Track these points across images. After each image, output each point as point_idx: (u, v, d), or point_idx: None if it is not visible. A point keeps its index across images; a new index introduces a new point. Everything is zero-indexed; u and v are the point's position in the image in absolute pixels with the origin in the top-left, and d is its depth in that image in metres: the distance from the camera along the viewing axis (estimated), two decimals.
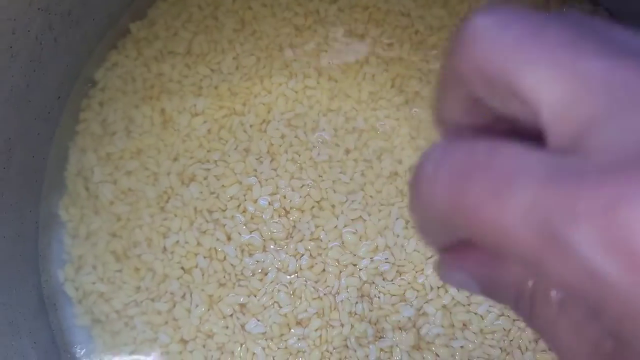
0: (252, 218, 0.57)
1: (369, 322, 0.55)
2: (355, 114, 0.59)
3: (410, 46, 0.61)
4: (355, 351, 0.54)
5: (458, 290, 0.56)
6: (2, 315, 0.48)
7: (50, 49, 0.50)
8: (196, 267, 0.56)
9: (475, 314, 0.55)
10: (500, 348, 0.55)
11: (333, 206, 0.57)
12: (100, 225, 0.57)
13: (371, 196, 0.58)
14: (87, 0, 0.52)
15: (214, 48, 0.61)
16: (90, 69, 0.60)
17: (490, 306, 0.55)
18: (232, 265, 0.56)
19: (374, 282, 0.56)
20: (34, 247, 0.55)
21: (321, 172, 0.58)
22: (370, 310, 0.55)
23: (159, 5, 0.62)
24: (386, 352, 0.55)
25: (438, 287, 0.56)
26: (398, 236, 0.57)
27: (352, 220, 0.57)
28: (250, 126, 0.59)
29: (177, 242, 0.56)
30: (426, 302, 0.55)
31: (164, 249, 0.56)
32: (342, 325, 0.54)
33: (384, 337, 0.55)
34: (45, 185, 0.57)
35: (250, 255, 0.56)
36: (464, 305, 0.55)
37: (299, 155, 0.58)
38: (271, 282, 0.55)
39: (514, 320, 0.55)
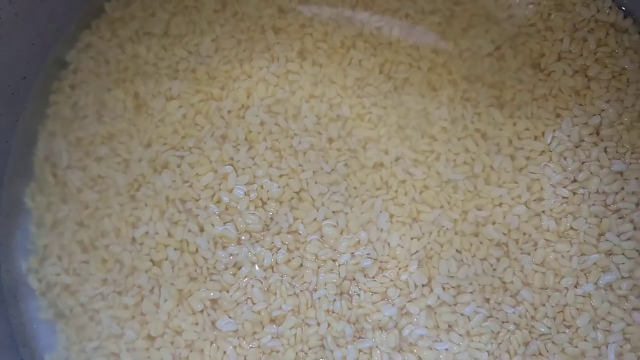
0: (226, 209, 0.52)
1: (348, 321, 0.50)
2: (340, 101, 0.55)
3: (400, 30, 0.57)
4: (332, 352, 0.49)
5: (444, 289, 0.51)
6: None
7: (10, 24, 0.45)
8: (166, 259, 0.52)
9: (462, 314, 0.51)
10: (488, 351, 0.50)
11: (313, 198, 0.53)
12: (67, 213, 0.53)
13: (354, 187, 0.53)
14: None
15: (193, 30, 0.56)
16: (62, 50, 0.56)
17: (478, 307, 0.50)
18: (204, 258, 0.51)
19: (354, 279, 0.51)
20: None
21: (302, 161, 0.54)
22: (350, 309, 0.51)
23: None
24: (365, 353, 0.50)
25: (423, 285, 0.51)
26: (382, 230, 0.52)
27: (333, 212, 0.53)
28: (228, 112, 0.54)
29: (147, 233, 0.52)
30: (409, 301, 0.51)
31: (133, 240, 0.52)
32: (319, 324, 0.50)
33: (363, 338, 0.50)
34: (9, 171, 0.53)
35: (224, 248, 0.52)
36: (449, 306, 0.51)
37: (279, 143, 0.54)
38: (245, 277, 0.51)
39: (502, 322, 0.50)
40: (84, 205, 0.53)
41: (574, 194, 0.53)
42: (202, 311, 0.51)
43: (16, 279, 0.52)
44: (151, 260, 0.52)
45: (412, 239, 0.52)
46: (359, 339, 0.51)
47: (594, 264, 0.51)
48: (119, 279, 0.52)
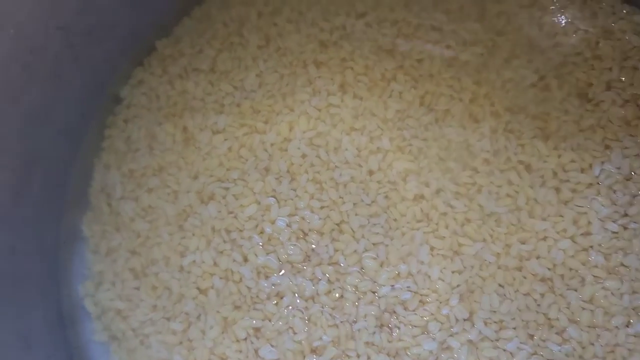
0: (269, 239, 0.53)
1: (387, 354, 0.50)
2: (380, 134, 0.55)
3: (442, 62, 0.56)
4: None
5: (486, 325, 0.50)
6: (13, 328, 0.46)
7: (70, 66, 0.49)
8: (212, 287, 0.53)
9: (504, 350, 0.50)
10: None
11: (353, 229, 0.53)
12: (120, 242, 0.56)
13: (395, 220, 0.53)
14: (109, 19, 0.51)
15: (238, 65, 0.58)
16: (116, 86, 0.59)
17: (521, 343, 0.49)
18: (247, 287, 0.53)
19: (394, 312, 0.51)
20: (55, 262, 0.54)
21: (342, 193, 0.54)
22: (389, 342, 0.51)
23: (184, 23, 0.60)
24: None
25: (464, 320, 0.50)
26: (422, 263, 0.52)
27: (374, 244, 0.53)
28: (271, 145, 0.56)
29: (194, 261, 0.54)
30: (450, 336, 0.50)
31: (181, 268, 0.54)
32: (359, 355, 0.51)
33: None
34: (68, 201, 0.56)
35: (267, 278, 0.53)
36: (491, 341, 0.50)
37: (320, 176, 0.55)
38: (287, 307, 0.52)
39: (547, 359, 0.49)
40: (136, 234, 0.56)
41: (625, 228, 0.51)
42: (245, 339, 0.52)
43: (74, 302, 0.55)
44: (198, 288, 0.54)
45: (453, 272, 0.52)
46: None
47: None
48: (167, 306, 0.54)
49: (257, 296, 0.53)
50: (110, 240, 0.56)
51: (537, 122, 0.55)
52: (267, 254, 0.54)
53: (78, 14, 0.48)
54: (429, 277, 0.52)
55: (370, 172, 0.55)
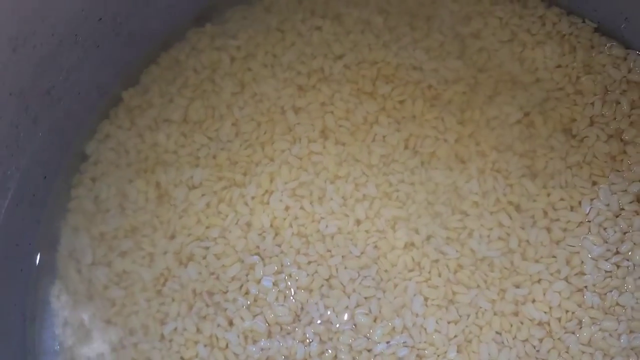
0: (255, 300, 0.51)
1: None
2: (366, 180, 0.54)
3: (424, 102, 0.55)
4: None
5: None
6: None
7: (28, 131, 0.44)
8: (196, 356, 0.51)
9: None
10: None
11: (343, 284, 0.51)
12: (94, 312, 0.52)
13: (385, 270, 0.51)
14: (69, 75, 0.47)
15: (212, 114, 0.56)
16: (81, 142, 0.55)
17: None
18: (235, 354, 0.50)
19: None
20: (22, 341, 0.50)
21: (330, 246, 0.52)
22: None
23: (151, 70, 0.57)
24: None
25: None
26: (417, 315, 0.50)
27: (365, 298, 0.51)
28: (252, 198, 0.53)
29: (176, 329, 0.51)
30: None
31: (162, 337, 0.51)
32: None
33: None
34: (34, 272, 0.52)
35: (255, 342, 0.50)
36: None
37: (305, 229, 0.53)
38: None
39: None
40: (111, 302, 0.52)
41: (618, 267, 0.51)
42: None
43: None
44: (181, 358, 0.51)
45: (449, 322, 0.50)
46: None
47: None
48: None
49: None
50: (82, 311, 0.52)
51: (524, 160, 0.54)
52: (254, 316, 0.51)
53: (34, 77, 0.44)
54: (425, 329, 0.50)
55: (358, 222, 0.53)
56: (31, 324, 0.52)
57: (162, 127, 0.55)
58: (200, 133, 0.55)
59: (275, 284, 0.51)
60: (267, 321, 0.50)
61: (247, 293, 0.51)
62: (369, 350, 0.50)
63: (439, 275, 0.51)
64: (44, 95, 0.46)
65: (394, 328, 0.50)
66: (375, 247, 0.52)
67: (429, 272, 0.51)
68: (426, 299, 0.51)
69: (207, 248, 0.52)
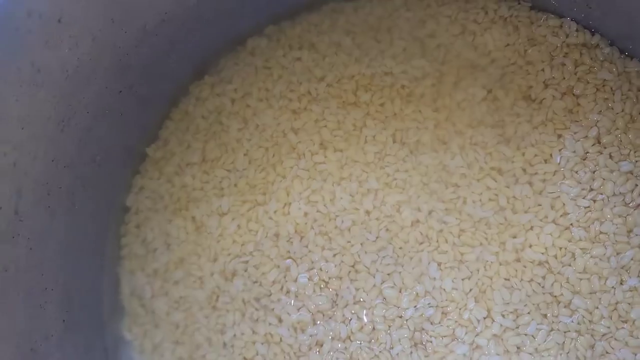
0: (296, 296, 0.59)
1: None
2: (367, 176, 0.62)
3: (401, 100, 0.64)
4: None
5: (504, 317, 0.56)
6: None
7: (81, 196, 0.54)
8: (257, 354, 0.59)
9: (526, 335, 0.56)
10: None
11: (367, 267, 0.59)
12: (162, 336, 0.60)
13: (400, 248, 0.60)
14: (105, 143, 0.56)
15: (225, 150, 0.65)
16: (121, 198, 0.64)
17: (538, 324, 0.56)
18: (288, 345, 0.58)
19: (423, 329, 0.57)
20: None
21: (348, 237, 0.61)
22: (426, 356, 0.57)
23: (167, 125, 0.67)
24: None
25: (484, 318, 0.57)
26: (435, 279, 0.58)
27: (388, 274, 0.59)
28: (274, 212, 0.62)
29: (235, 335, 0.59)
30: (477, 335, 0.57)
31: (224, 345, 0.59)
32: None
33: None
34: (105, 312, 0.61)
35: (303, 331, 0.58)
36: (513, 330, 0.57)
37: (325, 227, 0.61)
38: (328, 352, 0.58)
39: (564, 332, 0.56)
40: (175, 325, 0.61)
41: (594, 201, 0.59)
42: None
43: None
44: (245, 358, 0.59)
45: (463, 279, 0.59)
46: None
47: (631, 259, 0.57)
48: None
49: (300, 350, 0.59)
50: (152, 337, 0.61)
51: (496, 130, 0.62)
52: (298, 309, 0.59)
53: (79, 149, 0.53)
54: (444, 289, 0.58)
55: (367, 212, 0.62)
56: (113, 356, 0.60)
57: (186, 170, 0.65)
58: (219, 168, 0.65)
59: (310, 278, 0.60)
60: (310, 311, 0.59)
61: (288, 292, 0.60)
62: (400, 317, 0.58)
63: (446, 242, 0.60)
64: (89, 164, 0.55)
65: (417, 294, 0.59)
66: (387, 230, 0.61)
67: (437, 241, 0.60)
68: (439, 263, 0.59)
69: (246, 262, 0.61)
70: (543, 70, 0.64)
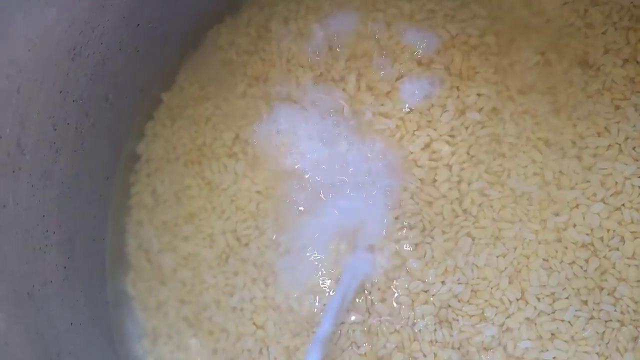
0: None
1: (452, 347, 0.53)
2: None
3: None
4: None
5: (539, 300, 0.53)
6: None
7: (90, 135, 0.52)
8: (268, 320, 0.56)
9: (563, 321, 0.53)
10: (597, 353, 0.52)
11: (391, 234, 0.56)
12: (167, 294, 0.58)
13: (430, 220, 0.56)
14: (117, 80, 0.53)
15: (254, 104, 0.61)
16: (132, 144, 0.61)
17: (577, 311, 0.53)
18: (302, 314, 0.55)
19: (449, 306, 0.54)
20: (108, 329, 0.56)
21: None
22: (451, 335, 0.54)
23: (184, 71, 0.64)
24: None
25: (517, 300, 0.53)
26: (467, 254, 0.55)
27: (416, 245, 0.56)
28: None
29: (243, 298, 0.56)
30: (508, 317, 0.54)
31: (233, 308, 0.57)
32: (425, 355, 0.54)
33: None
34: (108, 265, 0.58)
35: (319, 300, 0.55)
36: (548, 314, 0.53)
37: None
38: (344, 324, 0.54)
39: (605, 322, 0.52)
40: (182, 283, 0.59)
41: None
42: None
43: None
44: (254, 324, 0.56)
45: (498, 257, 0.55)
46: None
47: None
48: (227, 347, 0.57)
49: (314, 320, 0.56)
50: (157, 294, 0.59)
51: (548, 98, 0.58)
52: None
53: (90, 84, 0.51)
54: (477, 266, 0.55)
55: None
56: (114, 311, 0.58)
57: (201, 122, 0.62)
58: (235, 126, 0.62)
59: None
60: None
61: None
62: (425, 292, 0.55)
63: (485, 217, 0.56)
64: (100, 101, 0.53)
65: (446, 269, 0.56)
66: (419, 199, 0.58)
67: (475, 216, 0.56)
68: (474, 238, 0.56)
69: (261, 224, 0.58)
70: (604, 33, 0.59)
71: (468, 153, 0.58)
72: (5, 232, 0.43)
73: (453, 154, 0.58)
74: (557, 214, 0.56)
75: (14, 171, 0.44)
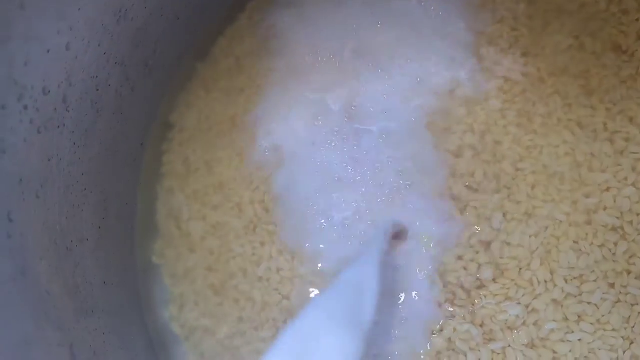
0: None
1: (472, 323, 0.54)
2: None
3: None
4: (465, 355, 0.53)
5: (567, 282, 0.54)
6: (117, 359, 0.50)
7: (129, 99, 0.54)
8: (293, 291, 0.57)
9: (589, 303, 0.54)
10: (623, 337, 0.53)
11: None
12: (195, 262, 0.60)
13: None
14: (157, 47, 0.55)
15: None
16: (166, 113, 0.63)
17: (604, 294, 0.53)
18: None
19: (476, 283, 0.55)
20: (136, 292, 0.58)
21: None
22: (473, 312, 0.54)
23: (220, 42, 0.65)
24: (499, 354, 0.54)
25: (546, 282, 0.54)
26: (498, 230, 0.56)
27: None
28: None
29: (270, 268, 0.58)
30: (534, 299, 0.55)
31: (260, 278, 0.58)
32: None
33: (494, 340, 0.54)
34: (138, 231, 0.60)
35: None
36: (575, 297, 0.54)
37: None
38: None
39: (632, 305, 0.53)
40: (209, 251, 0.60)
41: None
42: None
43: (161, 328, 0.60)
44: (280, 294, 0.58)
45: (530, 236, 0.56)
46: (490, 341, 0.55)
47: None
48: (253, 316, 0.58)
49: None
50: (185, 262, 0.60)
51: (580, 81, 0.59)
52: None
53: (133, 48, 0.52)
54: (508, 243, 0.56)
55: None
56: (143, 276, 0.60)
57: (234, 95, 0.63)
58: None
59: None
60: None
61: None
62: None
63: (519, 191, 0.57)
64: (141, 66, 0.54)
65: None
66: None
67: (509, 188, 0.57)
68: (505, 213, 0.57)
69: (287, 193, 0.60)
70: (638, 19, 0.60)
71: (497, 124, 0.59)
72: (49, 185, 0.45)
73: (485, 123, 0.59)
74: (587, 196, 0.57)
75: (58, 127, 0.46)
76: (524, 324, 0.54)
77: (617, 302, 0.54)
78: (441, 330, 0.55)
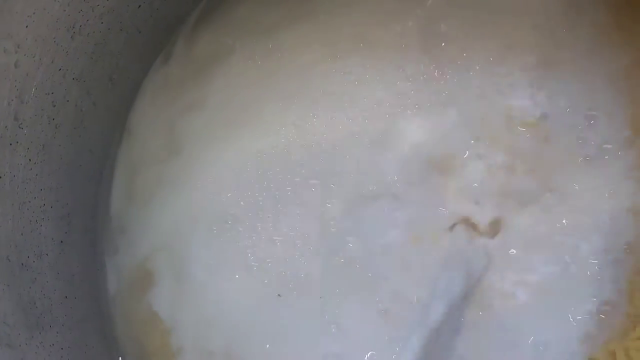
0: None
1: None
2: None
3: None
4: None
5: None
6: None
7: (91, 113, 0.56)
8: None
9: None
10: None
11: None
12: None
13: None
14: (120, 60, 0.57)
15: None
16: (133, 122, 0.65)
17: None
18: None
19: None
20: (106, 304, 0.59)
21: None
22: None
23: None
24: None
25: None
26: None
27: None
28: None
29: None
30: None
31: None
32: None
33: None
34: (104, 243, 0.62)
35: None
36: None
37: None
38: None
39: None
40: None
41: None
42: None
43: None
44: None
45: None
46: None
47: None
48: None
49: None
50: None
51: None
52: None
53: (93, 61, 0.54)
54: None
55: None
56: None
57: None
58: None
59: None
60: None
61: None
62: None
63: None
64: (104, 80, 0.56)
65: None
66: None
67: None
68: None
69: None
70: None
71: None
72: (0, 202, 0.47)
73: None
74: None
75: (11, 144, 0.48)
76: None
77: None
78: None
